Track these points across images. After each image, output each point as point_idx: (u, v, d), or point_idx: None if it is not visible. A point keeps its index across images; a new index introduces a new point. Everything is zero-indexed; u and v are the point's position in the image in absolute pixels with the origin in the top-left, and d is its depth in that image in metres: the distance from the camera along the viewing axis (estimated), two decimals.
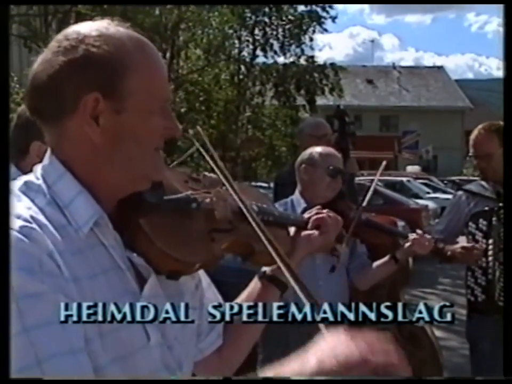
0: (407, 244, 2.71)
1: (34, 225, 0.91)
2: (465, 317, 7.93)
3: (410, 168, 24.61)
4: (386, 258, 2.85)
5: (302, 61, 16.53)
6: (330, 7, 16.18)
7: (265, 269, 1.35)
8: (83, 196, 1.00)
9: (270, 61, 16.72)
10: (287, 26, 16.34)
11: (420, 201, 14.56)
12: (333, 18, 16.37)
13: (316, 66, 16.61)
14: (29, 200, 0.96)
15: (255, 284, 1.34)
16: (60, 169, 1.01)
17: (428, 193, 18.14)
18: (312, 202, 2.84)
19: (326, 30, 16.44)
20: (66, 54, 0.97)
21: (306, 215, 1.46)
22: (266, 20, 16.58)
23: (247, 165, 16.48)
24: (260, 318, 1.22)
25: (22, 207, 0.94)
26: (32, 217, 0.93)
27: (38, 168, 1.04)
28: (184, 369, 1.10)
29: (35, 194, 0.98)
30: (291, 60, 16.56)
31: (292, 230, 1.42)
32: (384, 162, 3.03)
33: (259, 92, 16.77)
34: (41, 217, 0.94)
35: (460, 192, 3.33)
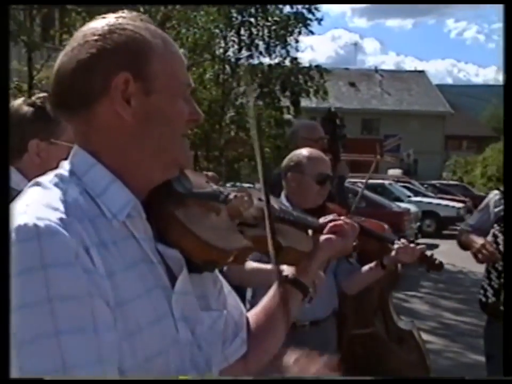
0: (393, 253, 2.74)
1: (71, 218, 0.91)
2: (449, 320, 8.01)
3: (391, 171, 24.77)
4: (373, 264, 2.86)
5: (287, 62, 16.51)
6: (316, 9, 16.23)
7: (287, 273, 1.34)
8: (117, 184, 1.00)
9: (255, 61, 16.70)
10: (273, 27, 16.32)
11: (402, 205, 14.68)
12: (319, 21, 16.38)
13: (301, 68, 16.61)
14: (61, 191, 0.96)
15: (276, 288, 1.30)
16: (90, 160, 1.00)
17: (409, 196, 18.30)
18: (299, 207, 2.84)
19: (312, 32, 16.45)
20: (95, 42, 0.99)
21: (322, 220, 1.46)
22: (252, 20, 16.55)
23: (230, 165, 16.42)
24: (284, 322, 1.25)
25: (56, 199, 0.94)
26: (67, 209, 0.92)
27: (65, 164, 1.04)
28: (213, 371, 1.09)
29: (67, 185, 0.98)
30: (276, 61, 16.53)
31: (310, 232, 1.42)
32: (373, 165, 3.02)
33: (244, 92, 16.75)
34: (76, 209, 0.94)
35: (495, 191, 3.35)
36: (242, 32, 16.61)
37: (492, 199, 3.29)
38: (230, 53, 16.66)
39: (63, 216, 0.90)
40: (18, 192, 1.71)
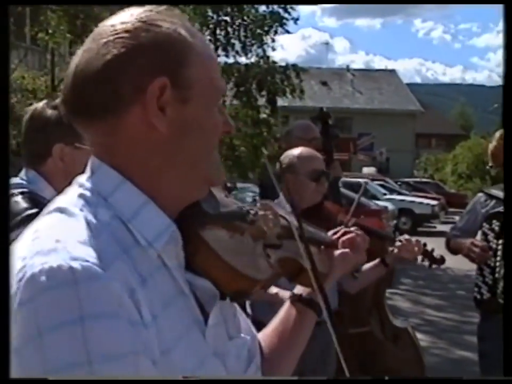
0: (396, 250, 2.74)
1: (110, 255, 0.77)
2: (431, 317, 8.08)
3: (366, 170, 24.96)
4: (376, 262, 2.85)
5: (263, 62, 16.53)
6: (292, 8, 16.30)
7: (299, 291, 1.25)
8: (150, 206, 0.86)
9: (231, 60, 16.69)
10: (249, 27, 16.32)
11: (379, 203, 14.83)
12: (295, 20, 16.47)
13: (277, 67, 16.65)
14: (91, 219, 0.81)
15: (288, 309, 1.22)
16: (116, 178, 0.86)
17: (385, 194, 18.47)
18: (299, 207, 2.82)
19: (288, 32, 16.51)
20: (126, 40, 0.84)
21: (332, 234, 1.45)
22: (228, 19, 16.54)
23: None
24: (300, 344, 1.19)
25: (88, 231, 0.79)
26: (104, 243, 0.78)
27: (83, 180, 0.89)
28: None
29: (95, 209, 0.83)
30: (252, 60, 16.55)
31: (323, 248, 1.35)
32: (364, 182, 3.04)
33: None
34: (112, 241, 0.80)
35: (480, 194, 3.47)
36: (218, 31, 16.59)
37: (478, 201, 3.39)
38: None
39: (102, 253, 0.76)
40: (43, 198, 1.69)
